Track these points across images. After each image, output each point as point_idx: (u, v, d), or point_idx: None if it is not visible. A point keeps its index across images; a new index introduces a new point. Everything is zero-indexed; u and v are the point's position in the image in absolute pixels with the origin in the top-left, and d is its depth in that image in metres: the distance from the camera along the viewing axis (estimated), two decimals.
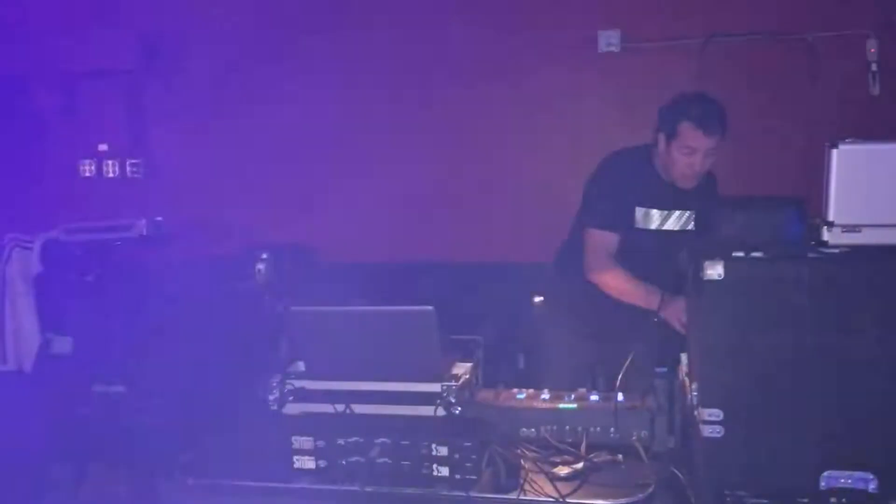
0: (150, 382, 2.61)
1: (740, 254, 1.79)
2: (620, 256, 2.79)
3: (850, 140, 1.84)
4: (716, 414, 1.78)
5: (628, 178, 2.80)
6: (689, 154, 2.67)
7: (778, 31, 3.86)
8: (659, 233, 2.82)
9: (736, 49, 3.91)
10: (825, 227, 1.82)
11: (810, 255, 1.79)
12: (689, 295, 1.87)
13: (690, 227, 2.82)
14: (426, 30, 4.18)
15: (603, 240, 2.79)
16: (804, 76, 3.83)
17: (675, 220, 2.83)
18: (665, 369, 2.15)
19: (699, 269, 1.78)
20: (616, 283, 2.77)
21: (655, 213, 2.81)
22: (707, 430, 1.78)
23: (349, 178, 4.25)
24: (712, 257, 1.77)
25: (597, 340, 2.86)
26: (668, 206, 2.81)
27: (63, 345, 3.68)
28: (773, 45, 3.88)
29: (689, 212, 2.82)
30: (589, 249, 2.81)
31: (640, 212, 2.81)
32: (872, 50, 3.80)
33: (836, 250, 1.81)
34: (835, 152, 1.81)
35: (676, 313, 2.52)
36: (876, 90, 3.81)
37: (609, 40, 4.08)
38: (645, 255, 2.78)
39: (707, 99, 2.74)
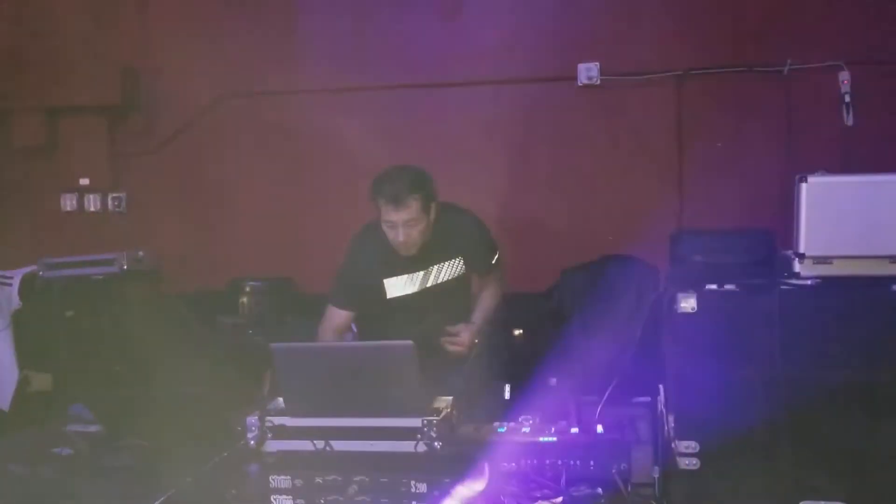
0: (128, 420, 2.59)
1: (713, 286, 1.81)
2: (403, 319, 2.80)
3: (819, 173, 1.88)
4: (692, 446, 1.79)
5: (369, 257, 2.81)
6: (392, 227, 2.66)
7: (753, 63, 3.93)
8: (425, 291, 2.82)
9: (712, 81, 3.98)
10: (797, 259, 1.85)
11: (782, 286, 1.81)
12: (663, 327, 1.88)
13: (460, 272, 2.83)
14: (403, 63, 4.23)
15: (332, 315, 2.85)
16: (779, 108, 3.89)
17: (435, 275, 2.82)
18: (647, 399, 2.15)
19: (673, 301, 1.80)
20: None
21: (404, 278, 2.81)
22: (683, 462, 1.79)
23: (328, 208, 4.25)
24: (685, 290, 1.79)
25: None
26: (415, 268, 2.80)
27: (42, 382, 3.65)
28: (748, 78, 3.94)
29: (449, 261, 2.81)
30: (322, 321, 2.86)
31: (389, 282, 2.82)
32: (846, 81, 3.87)
33: (808, 281, 1.83)
34: (804, 186, 1.85)
35: None
36: (850, 121, 3.87)
37: (589, 73, 4.13)
38: (425, 310, 2.81)
39: (398, 172, 2.68)
